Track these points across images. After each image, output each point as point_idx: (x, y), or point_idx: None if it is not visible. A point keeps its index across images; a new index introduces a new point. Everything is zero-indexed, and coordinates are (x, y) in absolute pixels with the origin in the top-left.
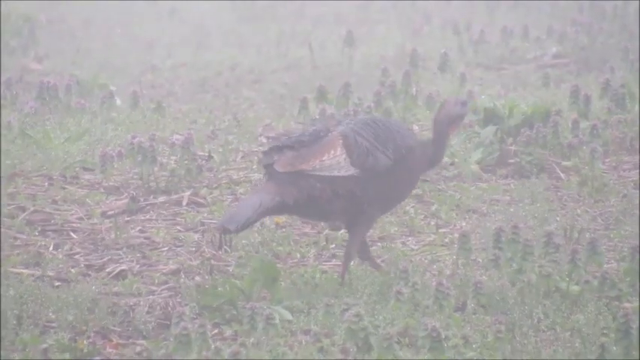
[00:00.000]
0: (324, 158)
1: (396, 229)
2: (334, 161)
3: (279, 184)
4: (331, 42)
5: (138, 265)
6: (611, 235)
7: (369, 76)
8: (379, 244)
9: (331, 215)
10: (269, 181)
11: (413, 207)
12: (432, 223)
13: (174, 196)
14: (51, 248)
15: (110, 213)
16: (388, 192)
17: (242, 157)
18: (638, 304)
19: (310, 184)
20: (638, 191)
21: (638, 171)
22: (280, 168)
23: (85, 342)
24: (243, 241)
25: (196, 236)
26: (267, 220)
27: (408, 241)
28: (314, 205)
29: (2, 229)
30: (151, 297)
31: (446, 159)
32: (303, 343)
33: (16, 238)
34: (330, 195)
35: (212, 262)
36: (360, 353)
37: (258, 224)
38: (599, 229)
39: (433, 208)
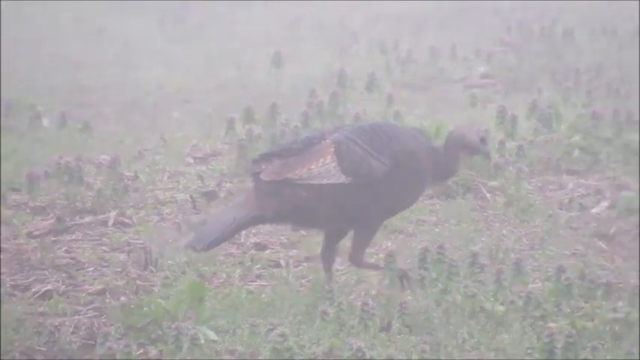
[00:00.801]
0: (312, 167)
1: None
2: (323, 169)
3: (259, 196)
4: (259, 62)
5: (63, 286)
6: (536, 256)
7: (296, 96)
8: (305, 264)
9: (320, 223)
10: (251, 192)
11: None
12: None
13: (101, 216)
14: None
15: (36, 233)
16: (389, 197)
17: (169, 178)
18: (562, 323)
19: (295, 192)
20: (563, 212)
21: (563, 191)
22: (266, 177)
23: None
24: (169, 262)
25: (122, 256)
26: None
27: (334, 261)
28: (299, 214)
29: None
30: (76, 317)
31: None
32: None
33: None
34: (316, 203)
35: (138, 282)
36: None
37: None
38: (524, 249)
39: None
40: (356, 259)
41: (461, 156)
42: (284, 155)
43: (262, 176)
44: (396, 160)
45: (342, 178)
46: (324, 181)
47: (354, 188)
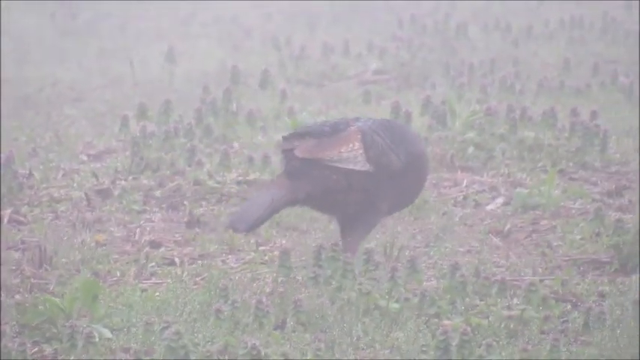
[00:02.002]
0: (342, 150)
1: (216, 247)
2: (351, 154)
3: (291, 177)
4: (153, 58)
5: None
6: (431, 253)
7: (190, 93)
8: (199, 262)
9: (342, 208)
10: (282, 174)
11: None
12: (252, 240)
13: None
14: None
15: None
16: (397, 193)
17: (63, 175)
18: (457, 321)
19: (326, 175)
20: (457, 208)
21: (458, 188)
22: (300, 154)
23: None
24: (64, 260)
25: (17, 254)
26: (87, 238)
27: (228, 259)
28: (327, 197)
29: None
30: None
31: (265, 176)
32: None
33: None
34: (345, 187)
35: (32, 280)
36: None
37: (80, 241)
38: (418, 246)
39: None
40: (354, 248)
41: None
42: (317, 135)
43: (297, 152)
44: (408, 158)
45: (366, 166)
46: (351, 167)
47: (373, 178)
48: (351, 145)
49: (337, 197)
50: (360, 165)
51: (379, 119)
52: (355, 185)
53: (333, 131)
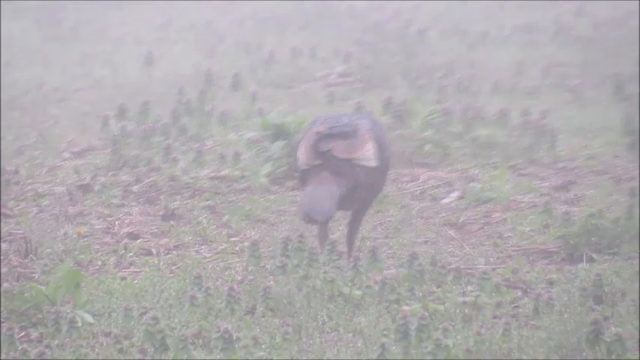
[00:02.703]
0: (364, 150)
1: (190, 238)
2: (369, 153)
3: (335, 175)
4: (132, 62)
5: None
6: (391, 244)
7: (167, 94)
8: (174, 252)
9: (356, 202)
10: (324, 172)
11: (205, 217)
12: (224, 232)
13: None
14: None
15: None
16: (382, 182)
17: (47, 172)
18: (415, 307)
19: (356, 172)
20: (415, 202)
21: (415, 183)
22: (340, 154)
23: None
24: (48, 250)
25: (4, 245)
26: (70, 230)
27: (202, 249)
28: (354, 192)
29: None
30: None
31: (237, 172)
32: (104, 344)
33: None
34: (365, 184)
35: (19, 269)
36: (157, 353)
37: (63, 233)
38: (379, 237)
39: (224, 218)
40: (355, 233)
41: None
42: (344, 137)
43: (336, 154)
44: (390, 151)
45: (376, 162)
46: (368, 164)
47: (377, 172)
48: (368, 146)
49: (359, 193)
50: (373, 162)
51: (367, 114)
52: (368, 180)
53: (353, 131)
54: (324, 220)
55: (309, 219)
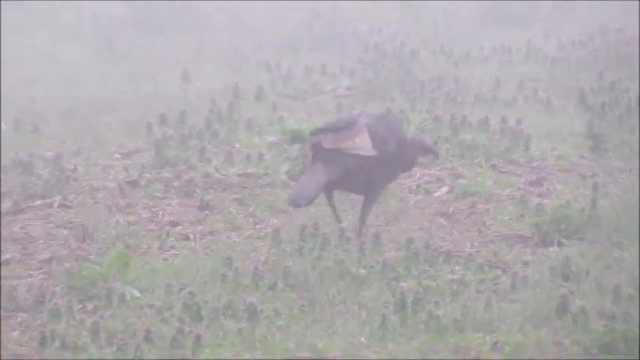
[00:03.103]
0: (356, 141)
1: (222, 225)
2: (363, 144)
3: (325, 163)
4: (171, 79)
5: (19, 255)
6: (391, 230)
7: (201, 105)
8: (208, 237)
9: (356, 187)
10: (316, 161)
11: (234, 208)
12: (250, 220)
13: (48, 200)
14: None
15: None
16: (390, 172)
17: (101, 169)
18: (411, 283)
19: (347, 161)
20: (412, 195)
21: (412, 179)
22: (327, 145)
23: None
24: (102, 235)
25: (65, 232)
26: (120, 219)
27: (231, 235)
28: (347, 178)
29: None
30: (29, 279)
31: (260, 170)
32: (149, 315)
33: None
34: (359, 170)
35: (77, 252)
36: (193, 323)
37: (115, 221)
38: (381, 224)
39: (251, 209)
40: (365, 218)
41: (417, 156)
42: (335, 130)
43: (324, 144)
44: (398, 144)
45: (372, 152)
46: (362, 153)
47: (376, 160)
48: (361, 136)
49: (355, 178)
50: (369, 152)
51: (376, 114)
52: (365, 167)
53: (347, 126)
54: (306, 204)
55: (294, 203)
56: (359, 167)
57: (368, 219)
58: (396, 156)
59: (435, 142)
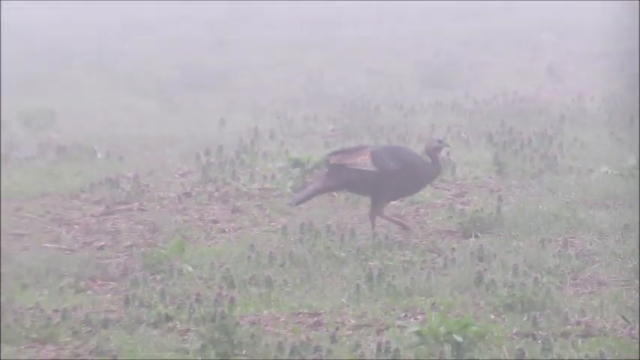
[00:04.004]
0: (357, 160)
1: (248, 223)
2: (363, 162)
3: (328, 174)
4: (212, 123)
5: (110, 242)
6: (362, 227)
7: (233, 142)
8: (239, 231)
9: (361, 192)
10: (323, 173)
11: (256, 211)
12: (267, 219)
13: (129, 205)
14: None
15: (95, 214)
16: (397, 187)
17: (165, 185)
18: (376, 262)
19: (347, 173)
20: None
21: None
22: (332, 161)
23: (82, 283)
24: (166, 229)
25: (140, 227)
26: (178, 218)
27: (254, 229)
28: (350, 186)
29: None
30: (117, 259)
31: (273, 186)
32: (199, 283)
33: None
34: (360, 180)
35: (150, 241)
36: (228, 289)
37: (174, 220)
38: (355, 223)
39: (267, 211)
40: (374, 214)
41: (437, 155)
42: (343, 152)
43: (330, 160)
44: (402, 165)
45: (372, 168)
46: (363, 168)
47: (376, 175)
48: (363, 157)
49: (356, 186)
50: (368, 167)
51: (386, 145)
52: (365, 179)
53: (354, 150)
54: (295, 204)
55: (289, 204)
56: (359, 179)
57: (377, 217)
58: (404, 173)
59: (440, 140)
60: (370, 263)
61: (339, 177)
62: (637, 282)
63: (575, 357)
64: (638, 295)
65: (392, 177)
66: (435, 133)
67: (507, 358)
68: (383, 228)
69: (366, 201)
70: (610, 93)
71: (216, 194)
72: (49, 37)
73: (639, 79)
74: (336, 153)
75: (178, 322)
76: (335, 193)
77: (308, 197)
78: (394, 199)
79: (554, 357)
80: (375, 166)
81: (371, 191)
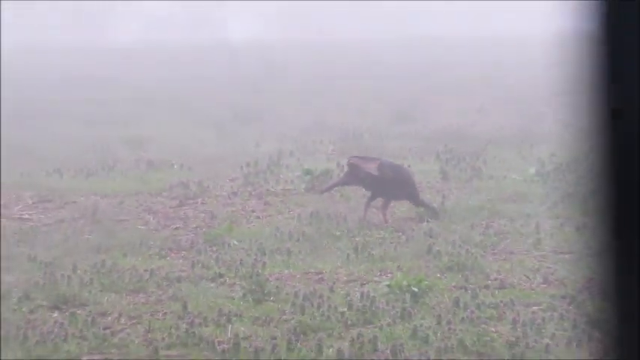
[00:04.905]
0: (369, 165)
1: (275, 211)
2: (371, 168)
3: (348, 173)
4: (250, 144)
5: (182, 225)
6: (354, 216)
7: (265, 158)
8: (268, 217)
9: (369, 189)
10: (345, 172)
11: (280, 204)
12: (287, 209)
13: (195, 200)
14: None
15: (170, 206)
16: (392, 190)
17: (219, 187)
18: (360, 239)
19: (360, 174)
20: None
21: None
22: (351, 161)
23: (163, 252)
24: (220, 216)
25: (203, 215)
26: (228, 209)
27: (279, 216)
28: (361, 183)
29: None
30: (186, 237)
31: (292, 187)
32: (241, 253)
33: None
34: (369, 180)
35: (208, 224)
36: (260, 256)
37: (226, 211)
38: (348, 212)
39: (287, 205)
40: (384, 211)
41: (420, 200)
42: (361, 158)
43: (350, 161)
44: (395, 174)
45: (376, 173)
46: (371, 172)
47: (378, 179)
48: (373, 165)
49: (364, 184)
50: (374, 172)
51: (395, 163)
52: (370, 180)
53: (370, 159)
54: (322, 192)
55: (319, 190)
56: (368, 179)
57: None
58: (395, 184)
59: (435, 209)
60: (356, 239)
61: (354, 176)
62: (534, 252)
63: (493, 301)
64: (537, 261)
65: (387, 183)
66: (400, 154)
67: (448, 302)
68: (371, 215)
69: (356, 197)
70: (521, 126)
71: (253, 193)
72: (137, 85)
73: (539, 116)
74: (355, 157)
75: (227, 278)
76: (334, 192)
77: (331, 188)
78: (387, 199)
79: (479, 302)
80: (378, 172)
81: (372, 189)
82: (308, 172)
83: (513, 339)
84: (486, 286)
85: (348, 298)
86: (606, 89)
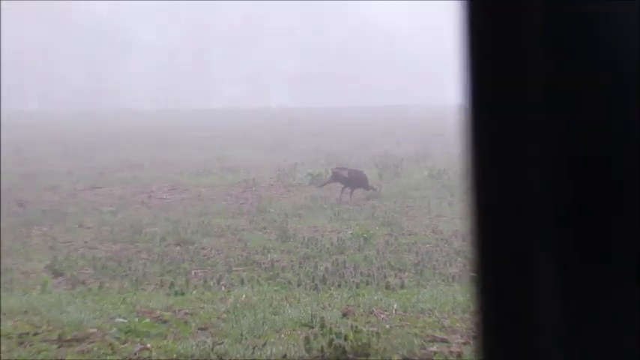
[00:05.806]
0: (343, 172)
1: (292, 194)
2: (344, 173)
3: (332, 176)
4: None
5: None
6: (346, 208)
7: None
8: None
9: (343, 183)
10: (331, 174)
11: (295, 193)
12: (299, 195)
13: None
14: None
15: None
16: (358, 184)
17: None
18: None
19: (340, 175)
20: (346, 196)
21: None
22: (334, 170)
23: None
24: (264, 197)
25: (254, 196)
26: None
27: (293, 198)
28: (339, 181)
29: None
30: (247, 208)
31: (300, 182)
32: (278, 215)
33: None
34: (342, 179)
35: (258, 200)
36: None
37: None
38: (341, 204)
39: (300, 195)
40: (350, 194)
41: (369, 186)
42: (340, 168)
43: (334, 170)
44: (356, 178)
45: (346, 175)
46: (344, 175)
47: (348, 178)
48: (345, 172)
49: (342, 181)
50: (345, 175)
51: (354, 169)
52: (344, 179)
53: (343, 168)
54: (320, 186)
55: (318, 184)
56: (342, 179)
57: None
58: (356, 180)
59: (376, 192)
60: (335, 209)
61: (337, 177)
62: (429, 216)
63: (405, 242)
64: (428, 220)
65: (352, 180)
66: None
67: (382, 243)
68: (343, 197)
69: (335, 188)
70: (417, 148)
71: (281, 185)
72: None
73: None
74: (337, 167)
75: (268, 230)
76: (329, 186)
77: (325, 184)
78: (352, 188)
79: (398, 242)
80: (347, 175)
81: (344, 184)
82: (310, 174)
83: (417, 261)
84: (402, 234)
85: (330, 239)
86: None
